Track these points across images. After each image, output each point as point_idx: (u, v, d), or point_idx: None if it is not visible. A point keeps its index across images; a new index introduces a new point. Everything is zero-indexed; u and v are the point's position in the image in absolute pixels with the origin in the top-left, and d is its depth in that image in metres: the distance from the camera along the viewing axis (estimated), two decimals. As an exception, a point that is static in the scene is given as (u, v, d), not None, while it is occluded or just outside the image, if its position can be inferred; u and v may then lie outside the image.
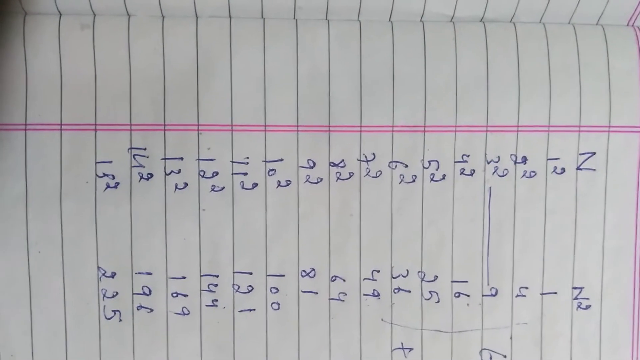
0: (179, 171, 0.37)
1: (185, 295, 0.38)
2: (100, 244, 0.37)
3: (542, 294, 0.39)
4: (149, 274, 0.38)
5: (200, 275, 0.38)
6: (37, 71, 0.36)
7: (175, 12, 0.37)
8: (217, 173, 0.38)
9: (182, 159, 0.37)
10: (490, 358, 0.39)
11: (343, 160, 0.38)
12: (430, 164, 0.38)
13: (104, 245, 0.37)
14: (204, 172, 0.37)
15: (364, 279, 0.39)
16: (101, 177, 0.37)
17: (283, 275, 0.38)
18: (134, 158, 0.37)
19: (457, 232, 0.39)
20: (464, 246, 0.39)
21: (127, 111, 0.37)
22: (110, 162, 0.37)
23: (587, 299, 0.39)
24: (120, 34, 0.37)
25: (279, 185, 0.38)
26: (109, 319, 0.38)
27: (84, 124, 0.37)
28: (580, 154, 0.39)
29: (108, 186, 0.37)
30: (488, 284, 0.39)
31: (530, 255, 0.39)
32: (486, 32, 0.38)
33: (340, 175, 0.38)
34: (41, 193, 0.37)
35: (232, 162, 0.38)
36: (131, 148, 0.37)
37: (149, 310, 0.38)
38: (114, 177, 0.37)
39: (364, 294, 0.39)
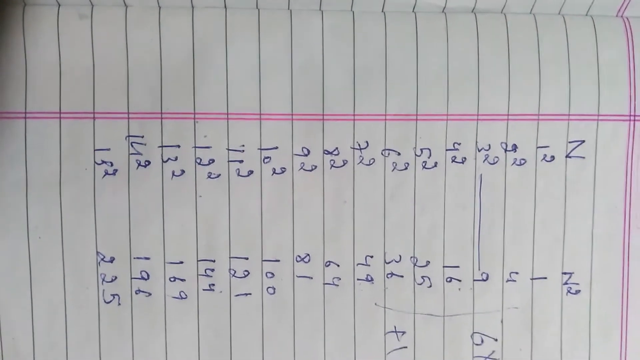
0: (176, 158, 0.38)
1: (182, 280, 0.38)
2: (99, 229, 0.38)
3: (532, 279, 0.40)
4: (147, 259, 0.38)
5: (197, 260, 0.38)
6: (37, 61, 0.37)
7: (172, 3, 0.37)
8: (213, 160, 0.38)
9: (178, 146, 0.38)
10: (482, 341, 0.40)
11: (337, 148, 0.38)
12: (422, 152, 0.39)
13: (102, 230, 0.38)
14: (201, 160, 0.38)
15: (358, 264, 0.39)
16: (100, 164, 0.37)
17: (278, 261, 0.39)
18: (132, 146, 0.38)
19: (448, 218, 0.39)
20: (455, 232, 0.39)
21: (124, 100, 0.37)
22: (109, 149, 0.37)
23: (577, 284, 0.40)
24: (117, 24, 0.37)
25: (274, 172, 0.38)
26: (108, 302, 0.38)
27: (83, 112, 0.37)
28: (570, 142, 0.39)
29: (106, 173, 0.38)
30: (479, 269, 0.40)
31: (520, 241, 0.40)
32: (477, 23, 0.39)
33: (334, 163, 0.39)
34: (41, 180, 0.37)
35: (228, 149, 0.38)
36: (129, 136, 0.37)
37: (147, 295, 0.38)
38: (112, 164, 0.38)
39: (358, 279, 0.39)
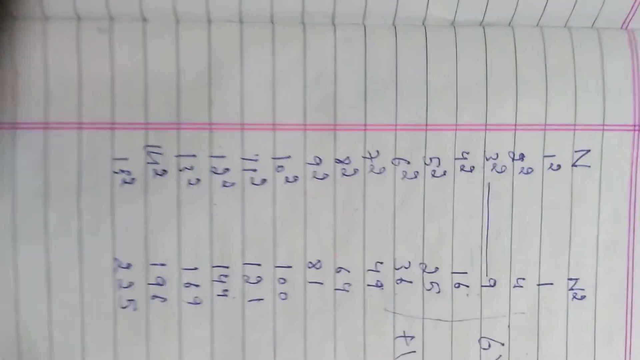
0: (192, 168, 0.39)
1: (197, 286, 0.39)
2: (117, 236, 0.38)
3: (538, 285, 0.40)
4: (163, 265, 0.39)
5: (212, 267, 0.39)
6: (57, 73, 0.38)
7: (189, 17, 0.38)
8: (228, 169, 0.39)
9: (194, 156, 0.39)
10: (489, 346, 0.40)
11: (348, 157, 0.39)
12: (431, 161, 0.39)
13: (120, 237, 0.38)
14: (216, 169, 0.39)
15: (368, 270, 0.40)
16: (118, 173, 0.38)
17: (290, 267, 0.39)
18: (149, 155, 0.38)
19: (457, 225, 0.40)
20: (463, 239, 0.40)
21: (142, 111, 0.38)
22: (127, 159, 0.38)
23: (582, 289, 0.40)
24: (136, 37, 0.38)
25: (286, 181, 0.39)
26: (124, 308, 0.39)
27: (102, 123, 0.38)
28: (576, 152, 0.40)
29: (124, 182, 0.38)
30: (487, 275, 0.40)
31: (527, 248, 0.40)
32: (485, 35, 0.39)
33: (345, 171, 0.39)
34: (60, 188, 0.38)
35: (242, 159, 0.39)
36: (146, 146, 0.38)
37: (162, 300, 0.39)
38: (130, 173, 0.38)
39: (368, 285, 0.40)
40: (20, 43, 0.38)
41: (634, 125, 0.40)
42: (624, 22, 0.40)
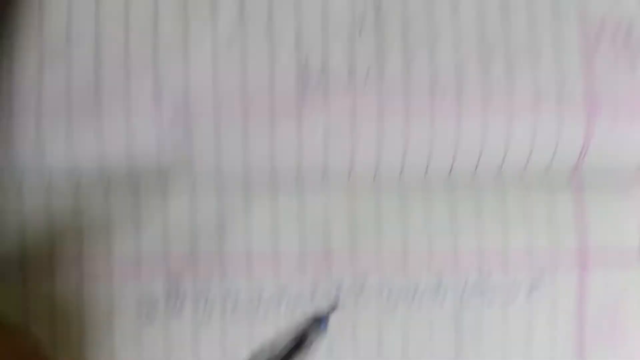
0: (206, 300, 0.44)
1: None
2: (143, 354, 0.44)
3: None
4: None
5: None
6: (90, 230, 0.44)
7: (203, 179, 0.44)
8: (237, 296, 0.44)
9: (208, 290, 0.44)
10: None
11: (340, 281, 0.45)
12: (408, 290, 0.45)
13: (145, 354, 0.44)
14: (226, 300, 0.44)
15: None
16: (144, 305, 0.44)
17: None
18: (170, 291, 0.44)
19: (432, 342, 0.46)
20: (438, 352, 0.46)
21: (164, 256, 0.44)
22: (150, 293, 0.44)
23: None
24: (157, 197, 0.44)
25: (287, 306, 0.45)
26: None
27: (129, 269, 0.44)
28: (530, 284, 0.46)
29: (150, 311, 0.44)
30: None
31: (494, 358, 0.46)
32: (453, 186, 0.46)
33: (337, 294, 0.45)
34: (95, 314, 0.43)
35: (248, 290, 0.44)
36: (167, 283, 0.44)
37: None
38: (154, 304, 0.44)
39: None
40: (54, 201, 0.44)
41: (579, 255, 0.46)
42: (570, 175, 0.46)
